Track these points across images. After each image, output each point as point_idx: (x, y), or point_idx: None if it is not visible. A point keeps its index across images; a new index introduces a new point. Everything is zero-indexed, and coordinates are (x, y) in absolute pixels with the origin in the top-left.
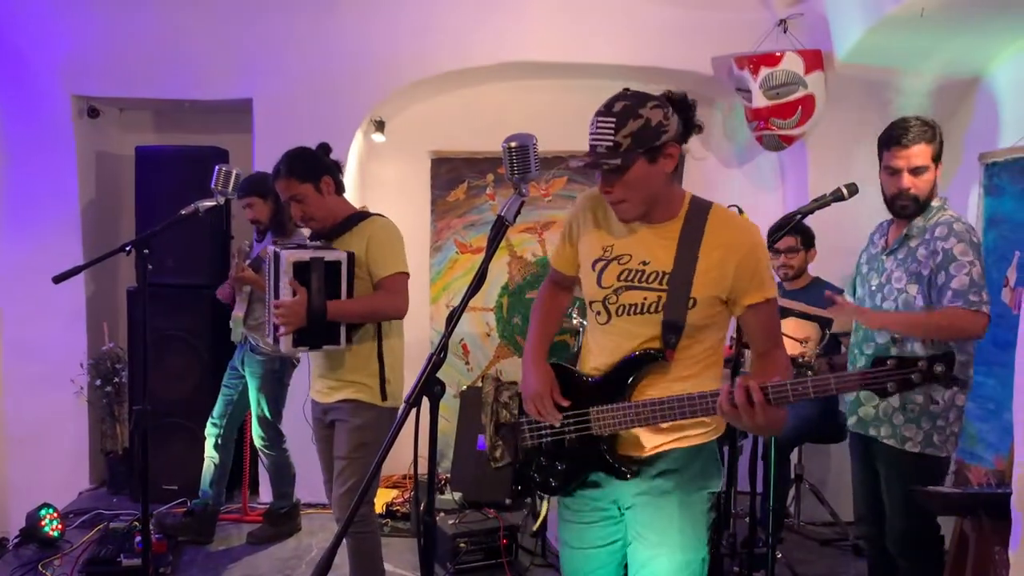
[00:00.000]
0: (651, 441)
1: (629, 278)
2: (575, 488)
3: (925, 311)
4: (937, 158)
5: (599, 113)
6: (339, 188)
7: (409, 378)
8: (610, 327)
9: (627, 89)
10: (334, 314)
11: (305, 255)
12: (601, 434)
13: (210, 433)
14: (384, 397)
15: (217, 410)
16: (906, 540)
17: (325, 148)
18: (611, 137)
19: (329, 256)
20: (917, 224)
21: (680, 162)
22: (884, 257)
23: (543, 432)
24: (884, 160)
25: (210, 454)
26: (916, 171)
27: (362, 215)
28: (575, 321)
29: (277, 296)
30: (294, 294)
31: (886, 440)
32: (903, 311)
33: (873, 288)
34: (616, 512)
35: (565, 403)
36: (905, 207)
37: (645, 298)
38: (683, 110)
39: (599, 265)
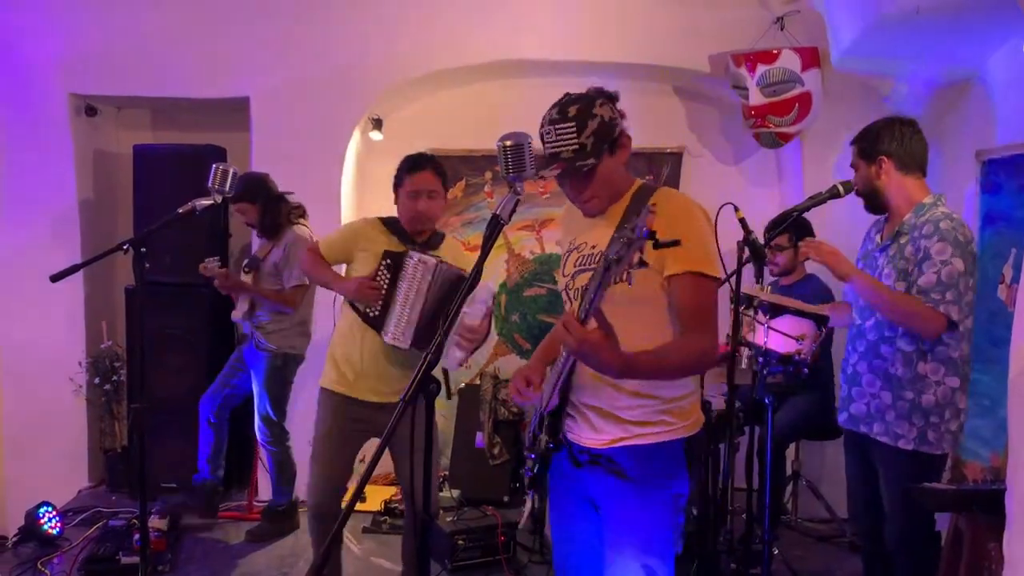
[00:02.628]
0: (609, 433)
1: (581, 263)
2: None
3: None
4: (864, 154)
5: (553, 121)
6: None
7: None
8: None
9: (568, 93)
10: None
11: (492, 287)
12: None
13: (201, 412)
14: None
15: (210, 390)
16: (904, 538)
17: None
18: (575, 140)
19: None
20: (908, 221)
21: (673, 163)
22: (877, 253)
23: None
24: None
25: (204, 432)
26: (856, 167)
27: (441, 234)
28: None
29: (440, 309)
30: (486, 317)
31: (880, 437)
32: (878, 282)
33: None
34: (593, 509)
35: (537, 381)
36: (869, 202)
37: (588, 277)
38: (614, 102)
39: (564, 256)
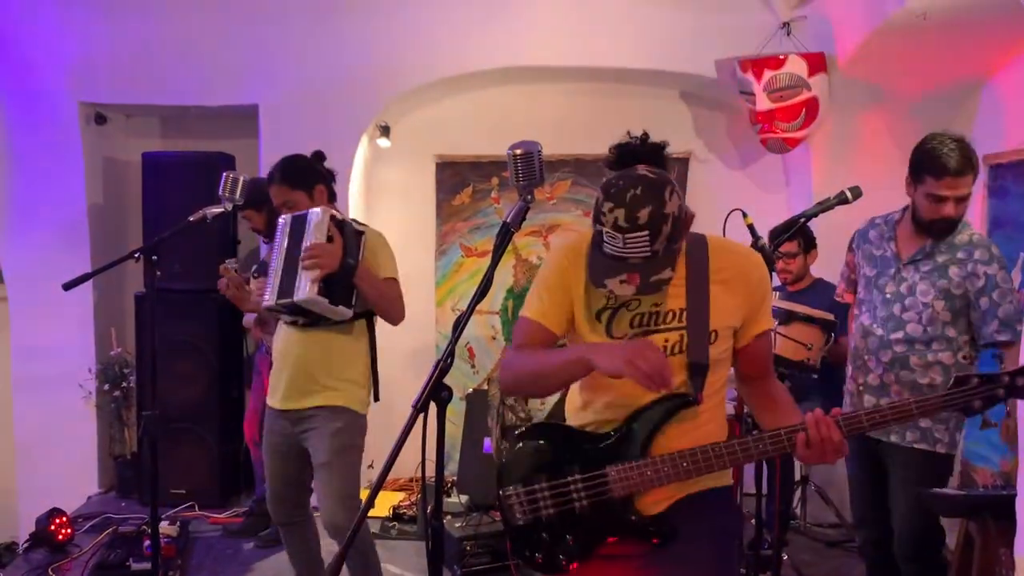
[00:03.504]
0: (666, 494)
1: (644, 322)
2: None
3: None
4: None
5: (624, 230)
6: (331, 196)
7: (416, 382)
8: (625, 379)
9: (632, 186)
10: (361, 275)
11: (339, 214)
12: (623, 495)
13: (248, 434)
14: (365, 403)
15: (249, 411)
16: (916, 544)
17: (319, 156)
18: (647, 248)
19: (357, 224)
20: (943, 239)
21: (680, 169)
22: (903, 266)
23: (541, 503)
24: (927, 187)
25: (254, 455)
26: (961, 199)
27: (356, 222)
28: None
29: (297, 251)
30: (330, 239)
31: (917, 444)
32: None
33: (889, 296)
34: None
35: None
36: (943, 230)
37: (667, 339)
38: (655, 155)
39: (605, 315)
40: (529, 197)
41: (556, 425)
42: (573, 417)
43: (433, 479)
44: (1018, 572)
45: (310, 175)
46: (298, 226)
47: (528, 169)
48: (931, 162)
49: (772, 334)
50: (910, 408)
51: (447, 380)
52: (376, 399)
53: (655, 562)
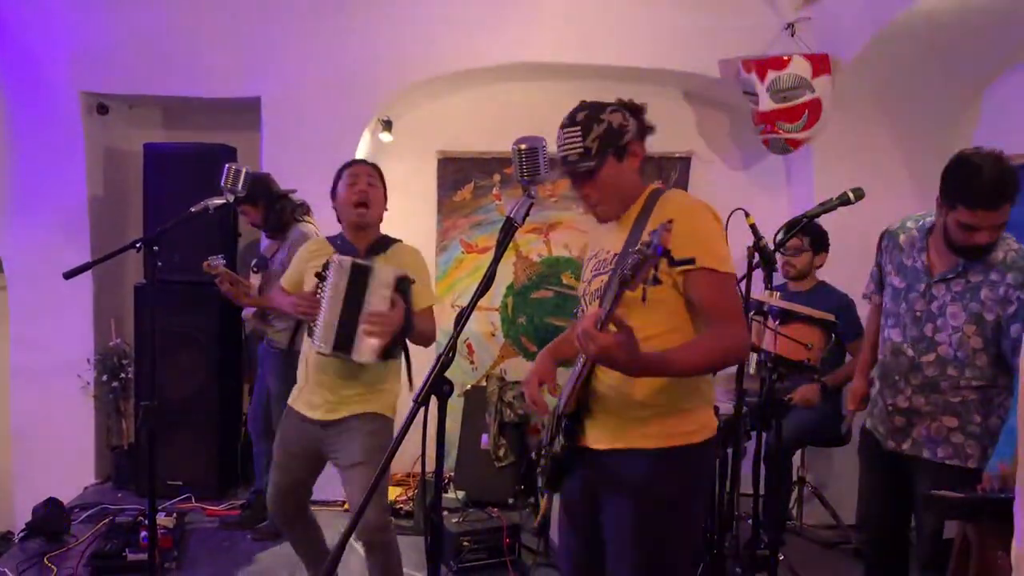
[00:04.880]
0: (622, 439)
1: (597, 268)
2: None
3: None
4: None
5: (563, 126)
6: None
7: (417, 377)
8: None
9: (584, 101)
10: (411, 331)
11: (399, 271)
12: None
13: (252, 429)
14: (395, 407)
15: (252, 407)
16: (935, 555)
17: None
18: (580, 144)
19: (408, 273)
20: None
21: (682, 168)
22: (933, 283)
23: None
24: (959, 215)
25: (257, 447)
26: (998, 227)
27: (395, 240)
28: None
29: (357, 306)
30: (392, 305)
31: (949, 461)
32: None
33: (919, 314)
34: (601, 511)
35: (553, 386)
36: (974, 256)
37: (601, 282)
38: (636, 114)
39: (584, 265)
40: (533, 192)
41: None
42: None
43: (432, 474)
44: (1015, 571)
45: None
46: (361, 277)
47: (532, 164)
48: (965, 190)
49: (723, 280)
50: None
51: (447, 375)
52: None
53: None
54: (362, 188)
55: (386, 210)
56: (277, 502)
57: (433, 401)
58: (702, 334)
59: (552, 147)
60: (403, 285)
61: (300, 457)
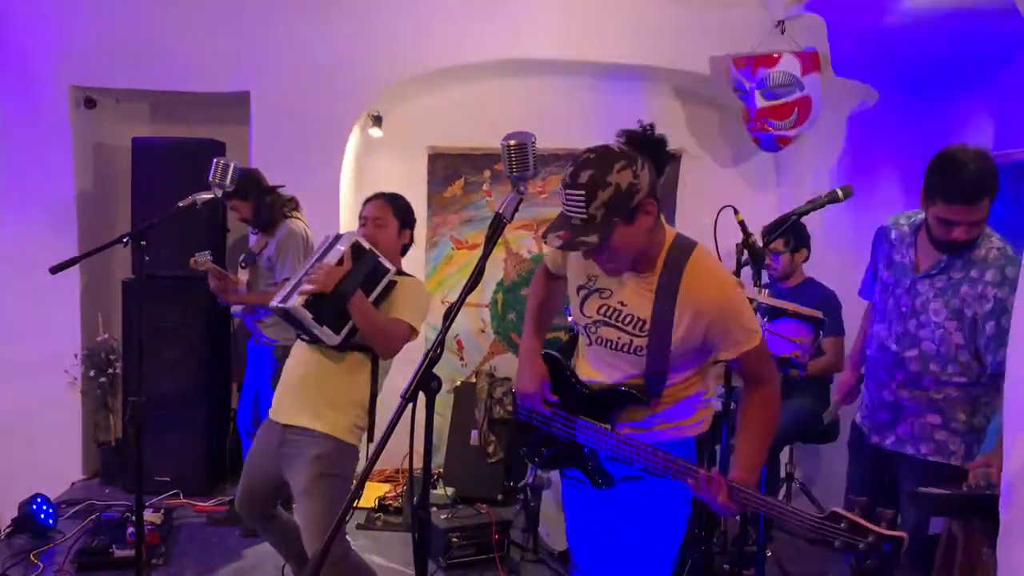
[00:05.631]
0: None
1: (607, 315)
2: (557, 468)
3: None
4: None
5: (567, 185)
6: (404, 251)
7: (405, 373)
8: (592, 351)
9: (590, 152)
10: (355, 304)
11: (367, 244)
12: (585, 446)
13: (240, 424)
14: (354, 434)
15: (242, 401)
16: (924, 553)
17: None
18: (583, 211)
19: (383, 260)
20: (960, 253)
21: (672, 165)
22: (917, 279)
23: (535, 417)
24: (937, 210)
25: (245, 444)
26: (975, 223)
27: (407, 274)
28: (569, 319)
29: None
30: (340, 263)
31: (931, 457)
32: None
33: (904, 310)
34: (606, 498)
35: (554, 399)
36: (954, 250)
37: (619, 338)
38: (651, 149)
39: (582, 293)
40: (522, 188)
41: (554, 358)
42: (577, 359)
43: (420, 470)
44: (1000, 572)
45: (410, 218)
46: (330, 244)
47: (521, 160)
48: (943, 185)
49: (759, 348)
50: (786, 515)
51: (436, 371)
52: (370, 439)
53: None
54: (367, 232)
55: (407, 242)
56: (242, 505)
57: (421, 398)
58: (757, 419)
59: (540, 143)
60: (362, 258)
61: (264, 471)
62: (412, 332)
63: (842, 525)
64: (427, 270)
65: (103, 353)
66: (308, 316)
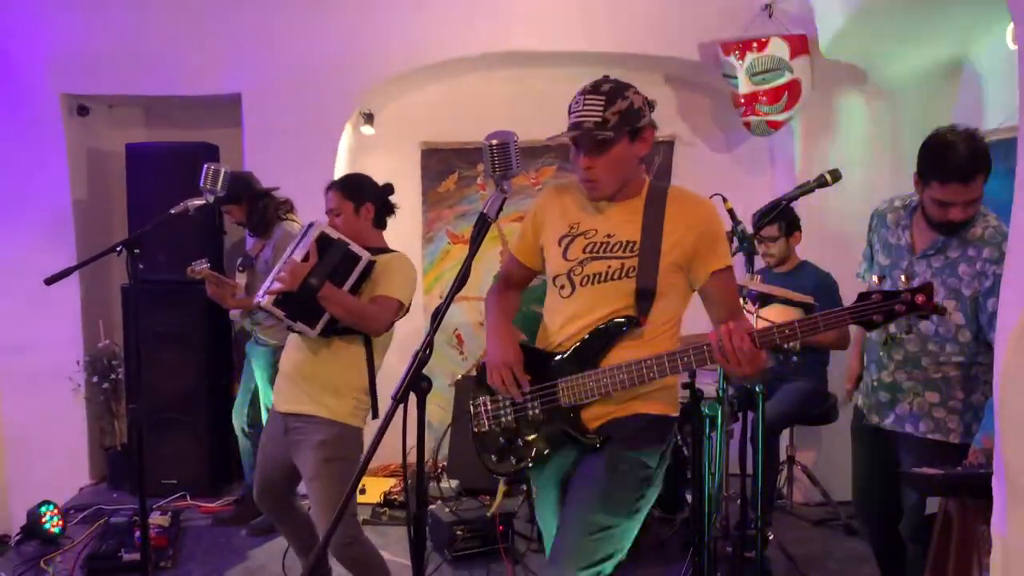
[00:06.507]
0: (601, 412)
1: (594, 250)
2: (535, 465)
3: None
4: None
5: (586, 92)
6: (379, 223)
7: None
8: (573, 298)
9: (607, 76)
10: (325, 296)
11: (335, 233)
12: (569, 404)
13: (236, 424)
14: (357, 416)
15: (238, 403)
16: (924, 527)
17: (388, 186)
18: (600, 113)
19: (353, 247)
20: (956, 232)
21: (665, 152)
22: (915, 260)
23: (503, 412)
24: (932, 191)
25: (242, 444)
26: (971, 203)
27: (388, 250)
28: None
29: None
30: (307, 258)
31: (930, 435)
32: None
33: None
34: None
35: (526, 379)
36: (953, 230)
37: (608, 267)
38: (650, 106)
39: (565, 240)
40: (506, 187)
41: (526, 346)
42: (541, 339)
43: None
44: (995, 549)
45: (364, 192)
46: (304, 233)
47: (504, 159)
48: (937, 166)
49: (732, 274)
50: (816, 323)
51: (437, 366)
52: (375, 416)
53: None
54: (331, 223)
55: (374, 215)
56: (259, 499)
57: (413, 398)
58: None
59: (530, 135)
60: (323, 244)
61: (275, 460)
62: (400, 306)
63: (875, 298)
64: (424, 265)
65: (105, 359)
66: (281, 314)
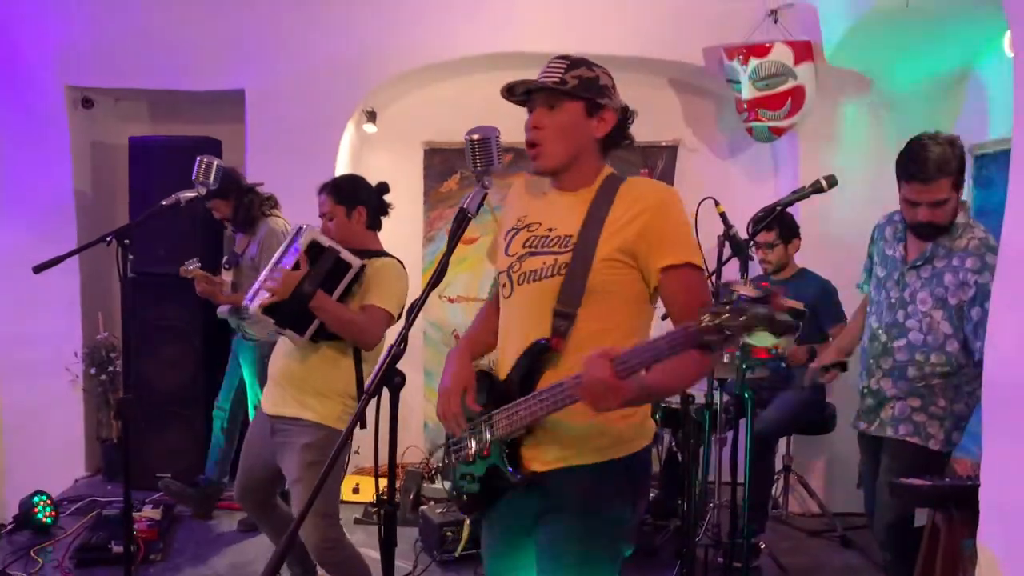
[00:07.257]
0: (552, 455)
1: (533, 244)
2: (490, 508)
3: None
4: (958, 185)
5: (553, 58)
6: (372, 224)
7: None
8: (512, 301)
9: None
10: (317, 304)
11: (326, 240)
12: (498, 437)
13: (216, 416)
14: (343, 420)
15: (221, 395)
16: (891, 533)
17: (382, 186)
18: (560, 74)
19: (344, 254)
20: (943, 243)
21: (668, 156)
22: (905, 271)
23: (455, 447)
24: (902, 190)
25: (216, 436)
26: (936, 204)
27: (381, 253)
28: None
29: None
30: (297, 266)
31: (909, 438)
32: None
33: (893, 301)
34: (528, 534)
35: (476, 408)
36: (926, 235)
37: (543, 264)
38: (625, 111)
39: (510, 234)
40: (487, 182)
41: (485, 372)
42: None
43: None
44: (980, 561)
45: (357, 195)
46: (293, 237)
47: (485, 154)
48: (904, 165)
49: (697, 275)
50: (661, 347)
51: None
52: (363, 426)
53: (538, 527)
54: (324, 227)
55: (366, 219)
56: (241, 497)
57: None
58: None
59: (506, 137)
60: (314, 251)
61: (259, 460)
62: (390, 317)
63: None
64: (424, 265)
65: (103, 351)
66: (270, 321)
